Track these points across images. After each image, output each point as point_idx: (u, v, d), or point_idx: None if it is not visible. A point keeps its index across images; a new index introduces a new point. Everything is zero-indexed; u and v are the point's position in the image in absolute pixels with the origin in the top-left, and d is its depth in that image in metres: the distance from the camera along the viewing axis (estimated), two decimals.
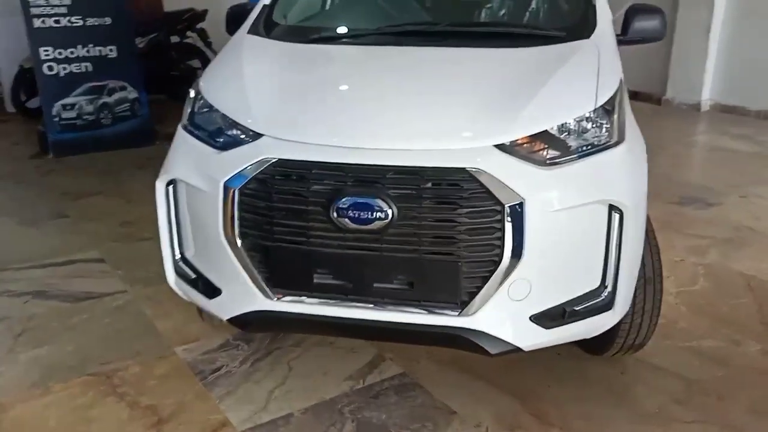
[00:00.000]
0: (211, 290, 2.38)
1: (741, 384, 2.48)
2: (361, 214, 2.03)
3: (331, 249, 2.12)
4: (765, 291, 3.14)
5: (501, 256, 2.03)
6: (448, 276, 2.08)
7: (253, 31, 2.80)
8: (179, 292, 2.55)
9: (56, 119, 5.67)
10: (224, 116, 2.36)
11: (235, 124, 2.32)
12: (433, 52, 2.50)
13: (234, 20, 3.12)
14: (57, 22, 5.54)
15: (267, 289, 2.23)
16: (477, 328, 2.10)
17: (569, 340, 2.25)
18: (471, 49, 2.49)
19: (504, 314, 2.11)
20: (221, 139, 2.33)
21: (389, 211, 2.02)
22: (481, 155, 2.04)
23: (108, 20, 5.75)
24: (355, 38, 2.64)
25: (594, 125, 2.16)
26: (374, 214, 2.03)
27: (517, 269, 2.04)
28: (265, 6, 2.95)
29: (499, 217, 2.01)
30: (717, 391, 2.43)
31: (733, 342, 2.74)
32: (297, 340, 2.78)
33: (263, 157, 2.15)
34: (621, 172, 2.16)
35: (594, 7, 2.68)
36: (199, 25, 7.66)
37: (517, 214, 2.00)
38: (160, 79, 7.39)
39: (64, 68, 5.63)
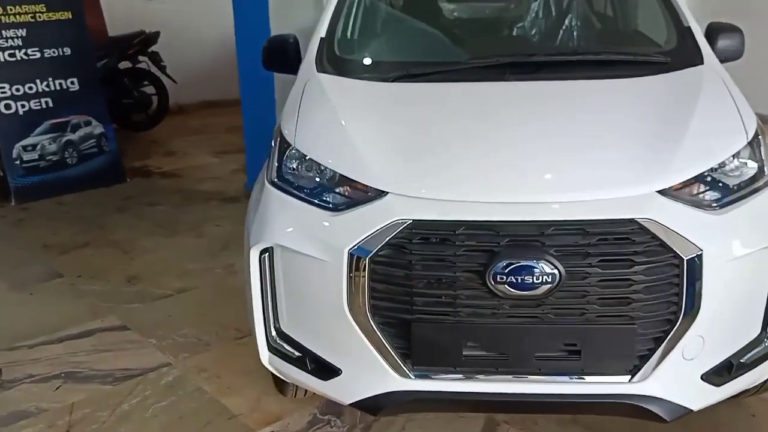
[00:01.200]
0: (325, 370, 2.08)
1: None
2: (525, 278, 1.80)
3: (484, 319, 1.88)
4: None
5: (678, 313, 1.85)
6: (622, 340, 1.87)
7: (323, 68, 2.50)
8: (274, 371, 2.23)
9: (17, 162, 5.08)
10: (330, 171, 2.07)
11: (347, 181, 2.03)
12: (546, 87, 2.29)
13: (274, 54, 2.82)
14: (12, 56, 4.98)
15: (404, 367, 1.95)
16: (650, 394, 1.91)
17: (734, 394, 2.08)
18: (584, 82, 2.30)
19: (677, 376, 1.92)
20: (331, 198, 2.04)
21: (555, 273, 1.80)
22: (646, 203, 1.85)
23: (67, 50, 5.23)
24: (446, 74, 2.38)
25: (749, 161, 2.02)
26: (540, 277, 1.80)
27: (693, 326, 1.86)
28: (322, 39, 2.66)
29: (676, 271, 1.82)
30: None
31: None
32: None
33: (395, 219, 1.88)
34: None
35: (690, 29, 2.55)
36: (152, 49, 7.17)
37: (696, 266, 1.82)
38: (112, 109, 6.85)
39: (23, 105, 5.06)
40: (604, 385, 1.91)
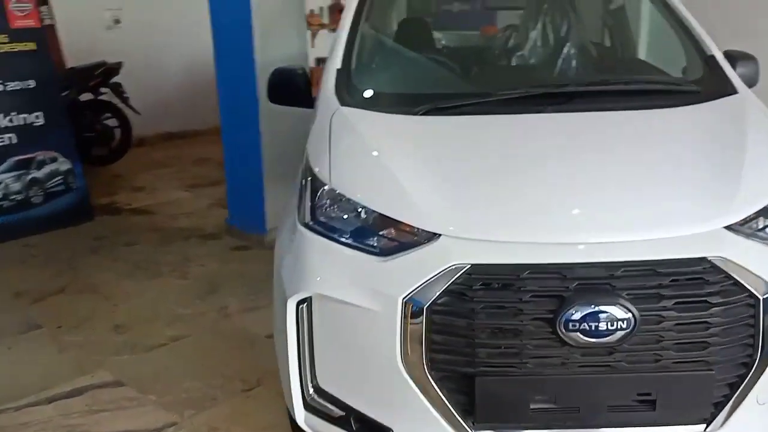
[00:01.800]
0: (372, 430, 1.91)
1: None
2: (599, 325, 1.69)
3: (554, 369, 1.75)
4: None
5: (754, 355, 1.76)
6: (699, 387, 1.77)
7: (344, 101, 2.36)
8: (309, 431, 2.04)
9: None
10: (372, 212, 1.92)
11: (392, 222, 1.89)
12: (586, 119, 2.20)
13: (281, 87, 2.68)
14: None
15: (464, 425, 1.81)
16: None
17: None
18: (623, 113, 2.22)
19: (750, 422, 1.83)
20: (376, 242, 1.89)
21: (630, 318, 1.68)
22: (716, 240, 1.77)
23: (32, 83, 4.94)
24: (477, 106, 2.27)
25: None
26: (614, 323, 1.68)
27: None
28: (339, 71, 2.52)
29: (752, 311, 1.74)
30: None
31: None
32: None
33: (453, 264, 1.74)
34: None
35: (713, 57, 2.51)
36: (114, 80, 6.90)
37: None
38: None
39: None
40: None
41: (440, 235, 1.81)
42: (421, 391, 1.80)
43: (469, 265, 1.74)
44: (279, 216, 4.57)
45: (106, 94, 6.93)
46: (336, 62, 2.56)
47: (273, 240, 4.50)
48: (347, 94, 2.40)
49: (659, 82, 2.48)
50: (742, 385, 1.77)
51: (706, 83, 2.42)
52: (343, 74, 2.50)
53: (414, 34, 3.35)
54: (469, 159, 2.05)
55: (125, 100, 6.96)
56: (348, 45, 2.62)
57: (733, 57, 2.63)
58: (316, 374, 1.99)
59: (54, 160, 5.11)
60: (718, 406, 1.79)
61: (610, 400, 1.77)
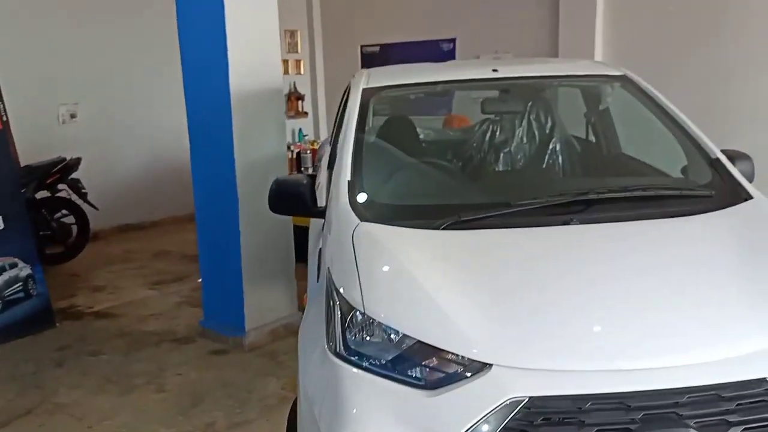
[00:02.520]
0: None
1: None
2: None
3: None
4: None
5: None
6: None
7: (363, 216, 2.27)
8: None
9: None
10: (412, 340, 1.81)
11: (434, 351, 1.78)
12: (616, 230, 2.17)
13: (286, 197, 2.59)
14: None
15: None
16: None
17: None
18: (652, 223, 2.20)
19: None
20: (419, 373, 1.78)
21: None
22: None
23: None
24: (500, 218, 2.22)
25: None
26: None
27: None
28: (350, 182, 2.44)
29: None
30: None
31: None
32: None
33: (510, 398, 1.64)
34: None
35: (719, 160, 2.55)
36: (72, 175, 6.69)
37: None
38: None
39: None
40: None
41: (492, 365, 1.71)
42: None
43: (527, 399, 1.64)
44: (259, 315, 4.44)
45: (63, 191, 6.70)
46: (346, 173, 2.48)
47: (253, 342, 4.38)
48: (364, 208, 2.31)
49: (676, 188, 2.50)
50: None
51: (717, 187, 2.44)
52: (354, 185, 2.43)
53: (399, 133, 3.33)
54: (508, 278, 1.97)
55: (83, 196, 6.75)
56: (356, 156, 2.56)
57: (730, 157, 2.67)
58: None
59: (13, 266, 4.83)
60: None
61: None
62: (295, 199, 2.58)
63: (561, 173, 2.81)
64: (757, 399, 1.66)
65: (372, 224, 2.21)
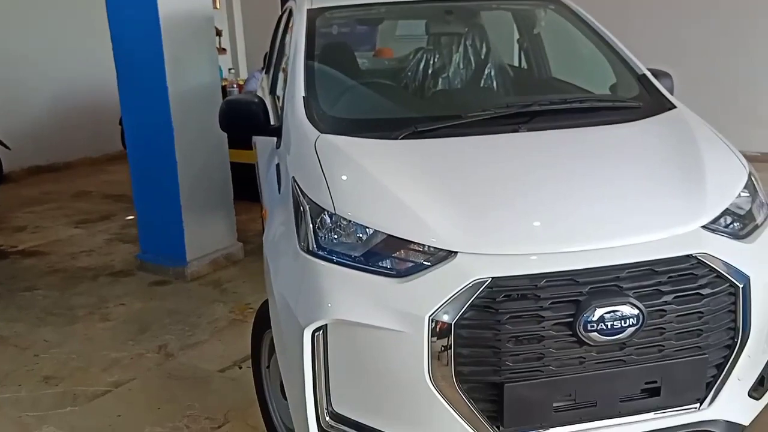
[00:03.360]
0: None
1: None
2: (614, 324, 1.84)
3: (574, 369, 1.87)
4: None
5: (735, 337, 1.98)
6: (695, 371, 1.96)
7: (322, 128, 2.36)
8: None
9: None
10: (381, 235, 1.96)
11: (403, 243, 1.93)
12: (556, 136, 2.36)
13: (237, 116, 2.64)
14: None
15: (491, 430, 1.88)
16: (716, 418, 2.02)
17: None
18: (589, 129, 2.41)
19: (733, 396, 2.05)
20: (390, 263, 1.93)
21: (638, 315, 1.85)
22: (698, 239, 1.98)
23: None
24: (452, 128, 2.36)
25: (753, 191, 2.23)
26: (626, 320, 1.84)
27: (746, 348, 2.00)
28: (305, 98, 2.52)
29: (733, 299, 1.96)
30: None
31: None
32: None
33: (475, 279, 1.82)
34: None
35: (645, 76, 2.79)
36: None
37: (747, 291, 1.97)
38: None
39: None
40: (677, 417, 1.98)
41: (457, 252, 1.88)
42: (449, 404, 1.85)
43: (489, 279, 1.82)
44: (199, 246, 4.47)
45: None
46: (300, 90, 2.56)
47: (195, 272, 4.43)
48: (321, 122, 2.41)
49: (609, 100, 2.72)
50: (727, 365, 1.99)
51: (644, 100, 2.67)
52: (309, 102, 2.51)
53: (341, 60, 3.40)
54: (466, 177, 2.14)
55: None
56: (308, 72, 2.64)
57: (654, 74, 2.92)
58: (332, 400, 1.98)
59: None
60: (709, 386, 1.99)
61: (623, 391, 1.92)
62: (247, 117, 2.62)
63: (510, 96, 2.98)
64: (684, 272, 1.92)
65: (332, 135, 2.32)
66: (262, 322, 2.42)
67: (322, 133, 2.33)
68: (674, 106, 2.61)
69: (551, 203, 2.03)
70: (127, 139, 4.57)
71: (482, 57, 3.47)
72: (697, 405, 1.99)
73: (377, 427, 1.95)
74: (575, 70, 3.31)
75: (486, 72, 3.37)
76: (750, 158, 7.51)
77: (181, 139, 4.28)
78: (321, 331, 1.93)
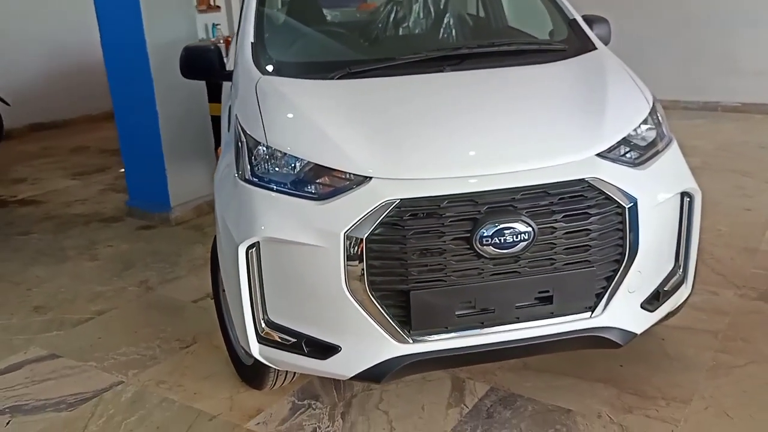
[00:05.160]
0: (323, 350, 2.22)
1: (747, 325, 2.98)
2: (506, 238, 2.08)
3: (472, 279, 2.12)
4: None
5: (623, 254, 2.22)
6: (584, 282, 2.21)
7: (265, 71, 2.60)
8: (265, 362, 2.32)
9: None
10: (307, 164, 2.20)
11: (326, 171, 2.18)
12: (480, 75, 2.59)
13: (195, 62, 2.88)
14: None
15: (402, 334, 2.15)
16: (607, 325, 2.27)
17: (661, 318, 2.50)
18: (509, 69, 2.64)
19: (624, 307, 2.30)
20: (314, 189, 2.19)
21: (530, 231, 2.09)
22: (591, 165, 2.21)
23: None
24: (385, 69, 2.59)
25: (653, 124, 2.45)
26: (517, 236, 2.08)
27: (635, 263, 2.24)
28: (253, 44, 2.76)
29: (620, 218, 2.19)
30: (738, 336, 2.90)
31: (711, 293, 3.26)
32: (364, 384, 2.67)
33: (385, 200, 2.07)
34: (683, 163, 2.48)
35: (575, 21, 2.98)
36: None
37: (634, 213, 2.20)
38: None
39: None
40: (571, 323, 2.23)
41: (371, 177, 2.13)
42: (364, 310, 2.11)
43: (398, 200, 2.07)
44: (183, 193, 4.74)
45: None
46: (248, 36, 2.79)
47: (179, 217, 4.72)
48: (265, 65, 2.64)
49: (535, 43, 2.93)
50: (616, 278, 2.23)
51: (571, 42, 2.88)
52: (257, 47, 2.74)
53: (305, 10, 3.60)
54: (387, 112, 2.38)
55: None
56: (258, 20, 2.86)
57: (590, 20, 3.11)
58: (267, 310, 2.26)
59: None
60: (599, 296, 2.24)
61: (518, 300, 2.18)
62: (204, 63, 2.86)
63: (446, 37, 3.18)
64: (575, 194, 2.15)
65: (272, 77, 2.56)
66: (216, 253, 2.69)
67: (264, 75, 2.57)
68: (596, 48, 2.81)
69: (457, 133, 2.27)
70: (112, 93, 4.81)
71: (441, 7, 3.66)
72: (589, 313, 2.25)
73: (306, 332, 2.23)
74: (526, 18, 3.50)
75: (445, 21, 3.56)
76: (729, 109, 7.77)
77: (161, 91, 4.52)
78: (254, 248, 2.19)
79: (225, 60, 3.05)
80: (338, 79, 2.54)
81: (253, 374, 2.59)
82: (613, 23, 3.22)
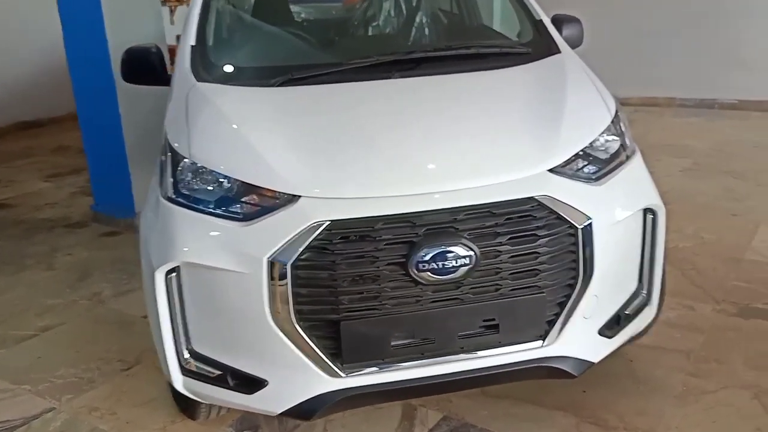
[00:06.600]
0: (249, 384, 2.05)
1: (723, 344, 2.79)
2: (445, 263, 1.90)
3: (409, 307, 1.95)
4: (676, 256, 3.56)
5: (576, 277, 2.04)
6: (533, 309, 2.03)
7: (201, 77, 2.42)
8: (190, 395, 2.16)
9: None
10: (233, 181, 2.02)
11: (253, 189, 2.00)
12: (430, 82, 2.40)
13: (135, 65, 2.69)
14: None
15: (333, 367, 1.97)
16: (560, 354, 2.09)
17: (623, 343, 2.31)
18: (463, 75, 2.44)
19: (580, 334, 2.12)
20: (239, 209, 2.01)
21: (471, 255, 1.91)
22: (541, 182, 2.02)
23: None
24: (330, 75, 2.40)
25: (615, 136, 2.26)
26: (458, 261, 1.90)
27: (590, 288, 2.06)
28: (193, 48, 2.57)
29: (573, 240, 2.01)
30: (711, 357, 2.71)
31: (687, 308, 3.08)
32: None
33: (313, 222, 1.89)
34: (647, 177, 2.29)
35: (542, 22, 2.79)
36: None
37: (588, 233, 2.02)
38: None
39: None
40: (520, 353, 2.06)
41: (300, 196, 1.95)
42: (291, 342, 1.94)
43: (328, 222, 1.89)
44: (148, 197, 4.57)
45: None
46: (190, 39, 2.61)
47: None
48: (203, 70, 2.46)
49: (495, 46, 2.73)
50: (569, 303, 2.05)
51: (535, 45, 2.68)
52: (197, 51, 2.56)
53: (271, 8, 3.42)
54: (322, 125, 2.19)
55: None
56: (201, 21, 2.68)
57: (559, 20, 2.91)
58: (190, 339, 2.09)
59: None
60: (552, 324, 2.06)
61: (460, 328, 2.00)
62: (146, 66, 2.68)
63: (405, 40, 2.99)
64: (523, 214, 1.97)
65: (208, 84, 2.38)
66: None
67: (199, 81, 2.39)
68: (560, 51, 2.61)
69: (395, 148, 2.08)
70: (75, 95, 4.65)
71: (414, 5, 3.47)
72: (540, 342, 2.07)
73: (231, 365, 2.06)
74: (502, 18, 3.31)
75: (417, 20, 3.37)
76: (726, 106, 7.48)
77: (124, 94, 4.34)
78: (174, 274, 2.02)
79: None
80: (279, 86, 2.36)
81: (185, 404, 2.42)
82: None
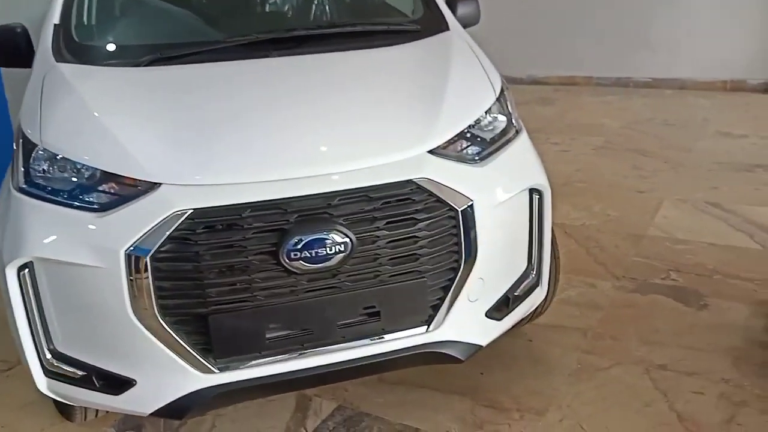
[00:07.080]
0: (116, 384, 1.93)
1: (619, 321, 2.80)
2: (318, 251, 1.81)
3: (283, 298, 1.85)
4: (581, 234, 3.59)
5: (459, 260, 1.98)
6: (416, 294, 1.97)
7: (62, 58, 2.25)
8: (55, 397, 2.01)
9: None
10: (89, 169, 1.88)
11: (111, 177, 1.87)
12: (308, 61, 2.29)
13: (1, 47, 2.48)
14: None
15: (205, 363, 1.87)
16: (446, 339, 2.04)
17: (514, 325, 2.28)
18: (344, 53, 2.34)
19: (466, 317, 2.07)
20: (95, 198, 1.87)
21: (347, 242, 1.83)
22: (420, 164, 1.96)
23: None
24: (203, 54, 2.26)
25: (500, 115, 2.20)
26: (332, 248, 1.82)
27: (474, 270, 2.01)
28: (57, 26, 2.39)
29: (454, 222, 1.95)
30: (607, 333, 2.72)
31: (588, 285, 3.09)
32: None
33: (174, 211, 1.77)
34: (533, 156, 2.25)
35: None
36: None
37: (470, 215, 1.96)
38: None
39: None
40: (404, 340, 1.99)
41: (160, 184, 1.82)
42: (157, 338, 1.82)
43: (191, 210, 1.77)
44: None
45: None
46: (54, 17, 2.43)
47: None
48: (65, 50, 2.29)
49: (382, 24, 2.63)
50: (453, 287, 1.99)
51: (425, 22, 2.60)
52: (61, 30, 2.37)
53: None
54: (187, 108, 2.06)
55: None
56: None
57: None
58: (52, 338, 1.94)
59: None
60: (436, 308, 2.00)
61: (339, 318, 1.92)
62: (10, 48, 2.47)
63: (289, 16, 2.85)
64: (401, 198, 1.89)
65: (68, 65, 2.21)
66: None
67: (60, 62, 2.21)
68: (448, 29, 2.54)
69: (265, 131, 1.98)
70: None
71: None
72: (425, 327, 2.01)
73: (96, 364, 1.93)
74: None
75: None
76: (641, 84, 7.59)
77: (10, 76, 4.06)
78: (27, 270, 1.86)
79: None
80: (146, 66, 2.20)
81: (60, 407, 2.27)
82: None
